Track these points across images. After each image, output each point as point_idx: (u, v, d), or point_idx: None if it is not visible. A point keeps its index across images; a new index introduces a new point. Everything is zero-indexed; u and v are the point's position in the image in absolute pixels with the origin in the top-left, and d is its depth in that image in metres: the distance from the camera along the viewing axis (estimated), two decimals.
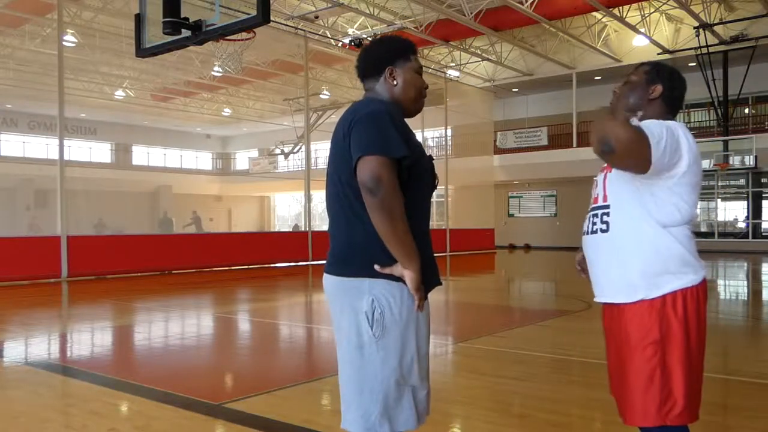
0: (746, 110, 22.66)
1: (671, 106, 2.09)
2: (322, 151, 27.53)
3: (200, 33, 5.06)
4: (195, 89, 26.03)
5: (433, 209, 23.02)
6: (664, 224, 1.94)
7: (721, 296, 9.59)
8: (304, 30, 17.37)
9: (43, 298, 9.81)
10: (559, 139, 24.41)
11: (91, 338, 6.40)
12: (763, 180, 22.51)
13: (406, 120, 2.02)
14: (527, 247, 25.99)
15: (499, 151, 25.10)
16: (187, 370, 4.85)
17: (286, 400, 3.76)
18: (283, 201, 36.22)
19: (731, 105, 20.97)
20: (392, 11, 18.65)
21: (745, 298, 9.84)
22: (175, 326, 7.28)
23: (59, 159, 11.83)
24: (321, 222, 24.45)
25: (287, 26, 17.05)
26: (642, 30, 19.52)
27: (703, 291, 1.97)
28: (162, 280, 12.47)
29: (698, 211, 2.00)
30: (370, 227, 1.84)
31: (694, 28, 19.11)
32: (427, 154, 2.04)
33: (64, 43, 14.50)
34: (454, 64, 23.73)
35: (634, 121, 1.92)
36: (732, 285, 11.94)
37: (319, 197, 19.75)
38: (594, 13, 19.27)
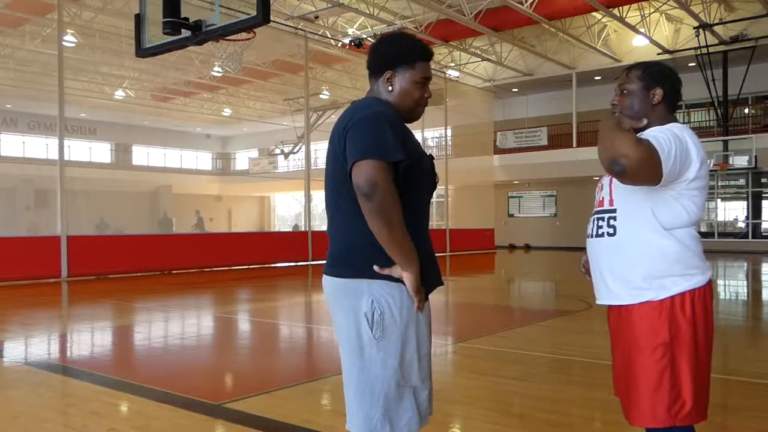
0: (746, 110, 22.67)
1: (673, 105, 2.09)
2: (322, 151, 27.50)
3: (200, 33, 5.05)
4: (195, 89, 26.02)
5: (433, 209, 23.08)
6: (671, 227, 1.94)
7: (722, 296, 9.58)
8: (304, 30, 17.37)
9: (43, 298, 9.81)
10: (559, 139, 24.39)
11: (90, 338, 6.40)
12: (763, 180, 22.51)
13: None
14: (527, 247, 25.99)
15: (499, 151, 25.09)
16: (187, 370, 4.85)
17: (286, 400, 3.76)
18: (283, 201, 36.21)
19: (731, 105, 20.96)
20: (392, 11, 18.65)
21: (745, 298, 9.84)
22: (175, 326, 7.27)
23: (59, 159, 11.83)
24: (321, 222, 24.43)
25: (287, 26, 17.05)
26: (642, 30, 19.52)
27: (710, 292, 1.98)
28: (162, 280, 12.47)
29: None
30: (369, 228, 1.83)
31: (694, 28, 19.10)
32: (428, 153, 2.02)
33: (64, 43, 14.49)
34: (454, 64, 23.73)
35: (642, 135, 1.91)
36: (732, 285, 11.95)
37: (319, 197, 19.74)
38: (594, 13, 19.27)
